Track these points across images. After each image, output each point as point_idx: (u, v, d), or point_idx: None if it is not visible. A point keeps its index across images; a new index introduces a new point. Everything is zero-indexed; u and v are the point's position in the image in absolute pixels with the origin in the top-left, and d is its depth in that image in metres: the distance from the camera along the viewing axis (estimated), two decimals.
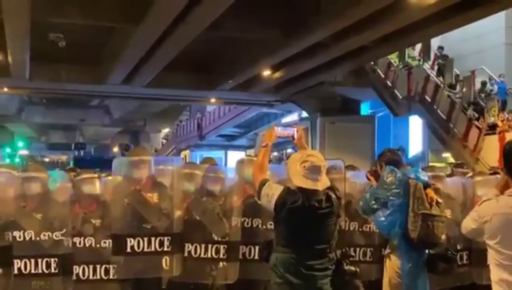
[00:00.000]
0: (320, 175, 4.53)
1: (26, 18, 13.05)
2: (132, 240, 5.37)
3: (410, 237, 5.21)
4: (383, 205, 5.32)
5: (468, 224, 4.03)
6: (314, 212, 4.51)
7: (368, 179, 5.78)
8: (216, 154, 35.72)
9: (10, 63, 17.50)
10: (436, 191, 5.53)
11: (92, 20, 14.52)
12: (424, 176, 5.43)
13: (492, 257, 3.82)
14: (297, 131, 5.02)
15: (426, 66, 19.06)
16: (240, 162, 6.04)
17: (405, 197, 5.25)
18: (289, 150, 30.37)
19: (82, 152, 31.14)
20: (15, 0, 11.90)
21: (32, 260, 5.12)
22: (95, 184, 5.56)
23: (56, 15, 14.07)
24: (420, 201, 5.23)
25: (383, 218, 5.30)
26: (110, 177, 5.76)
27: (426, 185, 5.36)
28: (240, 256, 5.68)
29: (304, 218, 4.50)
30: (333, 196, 4.62)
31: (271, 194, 4.57)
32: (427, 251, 5.43)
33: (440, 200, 5.40)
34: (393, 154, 5.82)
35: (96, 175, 5.64)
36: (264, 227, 5.69)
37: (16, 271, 5.09)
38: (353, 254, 5.92)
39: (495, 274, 3.80)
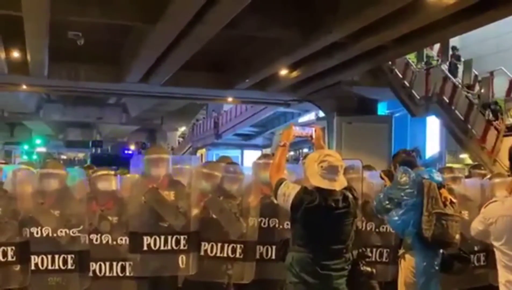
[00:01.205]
0: (338, 175, 4.52)
1: (45, 17, 13.14)
2: (149, 238, 5.39)
3: (424, 236, 5.20)
4: (397, 205, 5.32)
5: (475, 225, 4.06)
6: (331, 212, 4.50)
7: (382, 179, 5.78)
8: (232, 153, 35.79)
9: (29, 61, 17.63)
10: (450, 191, 5.53)
11: (110, 18, 14.56)
12: (438, 176, 5.42)
13: (498, 259, 3.83)
14: (315, 130, 5.02)
15: (444, 66, 18.93)
16: (257, 162, 6.04)
17: (418, 197, 5.25)
18: (305, 150, 30.35)
19: (99, 150, 31.32)
20: None
21: (49, 256, 5.16)
22: (112, 182, 5.59)
23: (75, 13, 14.13)
24: (434, 201, 5.22)
25: (396, 217, 5.31)
26: (128, 175, 5.80)
27: (440, 185, 5.35)
28: (257, 256, 5.68)
29: (321, 218, 4.49)
30: (350, 196, 4.60)
31: (288, 193, 4.56)
32: (441, 251, 5.41)
33: (454, 200, 5.38)
34: (407, 155, 5.82)
35: (112, 173, 5.67)
36: (281, 227, 5.69)
37: (33, 267, 5.14)
38: (369, 254, 5.90)
39: (502, 275, 3.82)
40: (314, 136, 5.00)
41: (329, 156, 4.57)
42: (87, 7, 13.85)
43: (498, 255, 3.84)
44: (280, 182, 4.65)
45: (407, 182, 5.30)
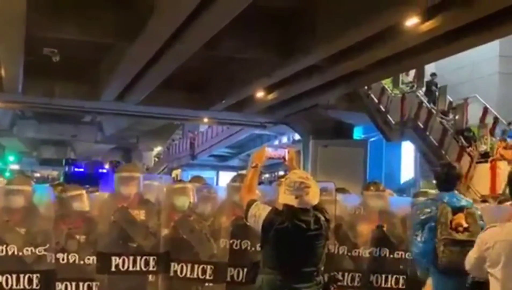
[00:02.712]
0: (304, 192, 4.44)
1: (21, 33, 13.02)
2: (117, 258, 5.26)
3: (438, 264, 5.08)
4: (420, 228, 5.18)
5: (470, 255, 3.90)
6: (302, 234, 4.43)
7: None
8: (208, 174, 35.61)
9: (3, 76, 17.44)
10: (470, 215, 5.22)
11: (88, 36, 14.50)
12: (458, 200, 5.22)
13: (493, 287, 3.68)
14: (288, 152, 4.97)
15: (420, 92, 19.10)
16: (231, 184, 5.96)
17: (434, 222, 5.11)
18: (281, 172, 30.32)
19: (72, 168, 30.95)
20: (10, 13, 11.84)
21: (14, 276, 4.99)
22: (83, 201, 5.46)
23: (52, 30, 14.04)
24: (443, 227, 5.08)
25: (416, 250, 5.16)
26: (97, 193, 5.68)
27: (458, 210, 5.16)
28: (228, 278, 5.58)
29: (292, 239, 4.42)
30: (322, 218, 4.54)
31: (259, 214, 4.51)
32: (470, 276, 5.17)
33: (465, 225, 5.14)
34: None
35: (83, 192, 5.55)
36: (253, 249, 5.59)
37: None
38: (341, 278, 5.83)
39: None
40: (287, 158, 4.95)
41: (293, 174, 4.55)
42: (64, 24, 13.77)
43: (492, 284, 3.69)
44: (250, 203, 4.61)
45: (425, 202, 5.19)
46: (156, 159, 49.46)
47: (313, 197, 4.50)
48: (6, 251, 5.00)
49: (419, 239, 5.15)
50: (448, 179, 5.40)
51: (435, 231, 5.08)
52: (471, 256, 3.86)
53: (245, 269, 5.52)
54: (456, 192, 5.37)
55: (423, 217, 5.16)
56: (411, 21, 11.94)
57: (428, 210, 5.14)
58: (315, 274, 4.52)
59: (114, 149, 48.66)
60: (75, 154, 51.41)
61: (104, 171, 28.89)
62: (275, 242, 4.45)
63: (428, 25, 11.87)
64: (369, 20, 11.84)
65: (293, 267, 4.45)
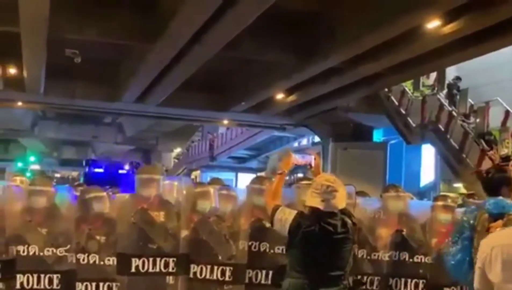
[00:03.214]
0: (332, 196, 4.45)
1: (43, 34, 13.14)
2: (137, 260, 5.31)
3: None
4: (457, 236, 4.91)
5: (476, 268, 3.67)
6: (329, 237, 4.44)
7: None
8: (227, 175, 35.70)
9: (25, 77, 17.61)
10: (509, 222, 4.57)
11: (109, 37, 14.60)
12: (502, 207, 4.75)
13: None
14: (315, 158, 5.00)
15: (441, 95, 18.98)
16: (250, 186, 5.97)
17: (471, 230, 4.81)
18: (300, 175, 30.28)
19: (93, 168, 31.13)
20: (33, 15, 11.97)
21: (35, 276, 5.06)
22: (103, 202, 5.51)
23: (73, 31, 14.15)
24: (479, 235, 4.70)
25: (450, 258, 4.86)
26: (118, 194, 5.73)
27: (497, 216, 4.70)
28: (246, 280, 5.60)
29: (319, 243, 4.44)
30: (349, 221, 4.54)
31: (285, 219, 4.53)
32: None
33: None
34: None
35: (104, 193, 5.59)
36: (271, 251, 5.62)
37: (18, 286, 5.04)
38: (364, 282, 5.82)
39: None
40: (313, 164, 4.99)
41: (321, 177, 4.58)
42: (85, 26, 13.87)
43: None
44: (276, 208, 4.63)
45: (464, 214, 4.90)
46: (176, 160, 49.60)
47: (340, 201, 4.51)
48: (28, 251, 5.08)
49: (455, 248, 4.89)
50: (493, 184, 5.05)
51: (472, 240, 4.84)
52: (476, 267, 3.61)
53: (264, 271, 5.56)
54: (501, 197, 4.93)
55: (460, 225, 4.99)
56: (432, 24, 11.88)
57: (466, 218, 4.95)
58: (342, 278, 4.53)
59: (134, 150, 48.85)
60: (95, 155, 51.71)
61: (124, 172, 29.05)
62: (302, 245, 4.46)
63: (449, 28, 11.81)
64: (389, 23, 11.79)
65: (320, 270, 4.46)
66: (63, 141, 47.94)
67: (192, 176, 36.94)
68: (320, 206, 4.43)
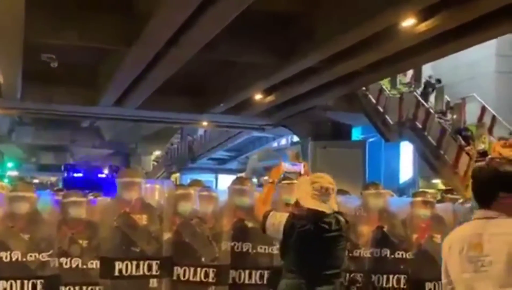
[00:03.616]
0: (329, 197, 4.51)
1: (19, 39, 13.03)
2: (121, 263, 5.32)
3: None
4: None
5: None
6: (323, 235, 4.48)
7: None
8: (207, 177, 35.62)
9: (1, 83, 17.46)
10: None
11: (86, 41, 14.52)
12: None
13: None
14: (304, 166, 5.05)
15: (417, 92, 19.16)
16: (232, 187, 6.00)
17: None
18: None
19: (71, 173, 30.93)
20: (9, 20, 11.87)
21: (18, 282, 5.05)
22: (83, 207, 5.50)
23: (51, 36, 14.06)
24: None
25: None
26: (99, 198, 5.73)
27: None
28: (230, 280, 5.63)
29: (314, 241, 4.48)
30: (342, 219, 4.59)
31: (278, 222, 4.57)
32: None
33: None
34: None
35: (84, 199, 5.58)
36: (254, 251, 5.67)
37: None
38: (359, 279, 5.87)
39: None
40: (302, 172, 5.04)
41: (321, 178, 4.57)
42: (63, 30, 13.78)
43: None
44: (266, 214, 4.68)
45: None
46: (155, 163, 49.44)
47: (334, 201, 4.60)
48: (11, 257, 5.05)
49: None
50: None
51: None
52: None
53: (247, 271, 5.60)
54: None
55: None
56: (408, 22, 11.99)
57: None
58: (337, 276, 4.58)
59: (113, 154, 48.60)
60: (74, 160, 51.36)
61: (103, 176, 28.88)
62: (298, 245, 4.50)
63: (425, 25, 11.93)
64: (366, 22, 11.89)
65: (316, 269, 4.49)
66: (41, 147, 47.58)
67: (172, 178, 36.83)
68: (324, 208, 4.47)
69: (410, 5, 11.21)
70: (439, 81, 19.33)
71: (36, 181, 52.78)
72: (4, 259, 5.03)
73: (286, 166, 5.02)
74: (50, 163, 51.10)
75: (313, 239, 4.47)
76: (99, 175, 28.76)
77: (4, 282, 5.01)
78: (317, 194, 4.48)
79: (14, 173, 49.06)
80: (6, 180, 43.76)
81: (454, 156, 16.58)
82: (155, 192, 5.93)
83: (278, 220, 4.57)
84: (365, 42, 12.93)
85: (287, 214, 4.60)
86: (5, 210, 5.25)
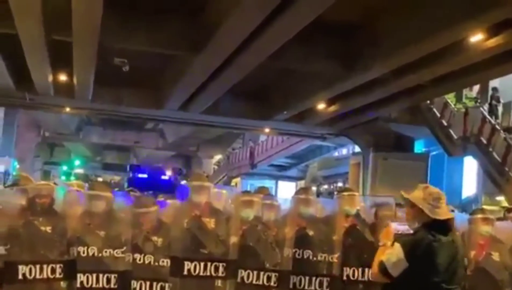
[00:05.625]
0: (443, 205, 4.54)
1: (94, 43, 13.53)
2: (190, 263, 5.61)
3: None
4: None
5: None
6: (452, 248, 4.45)
7: None
8: (267, 183, 35.84)
9: (75, 84, 18.10)
10: None
11: (156, 47, 14.93)
12: None
13: None
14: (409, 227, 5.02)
15: (483, 107, 18.91)
16: (296, 197, 6.21)
17: None
18: (340, 184, 30.33)
19: (137, 174, 31.73)
20: (85, 24, 12.37)
21: (94, 275, 5.38)
22: (154, 210, 5.83)
23: (123, 41, 14.53)
24: None
25: None
26: (171, 201, 6.05)
27: None
28: (291, 286, 5.85)
29: (440, 255, 4.39)
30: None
31: (395, 253, 4.44)
32: None
33: None
34: None
35: (154, 208, 5.85)
36: (314, 258, 5.87)
37: (78, 285, 5.36)
38: None
39: None
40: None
41: (430, 188, 4.67)
42: (134, 35, 14.20)
43: None
44: (382, 259, 4.51)
45: None
46: (216, 167, 49.97)
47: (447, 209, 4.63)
48: (87, 252, 5.40)
49: None
50: None
51: None
52: None
53: (307, 277, 5.82)
54: None
55: None
56: (476, 38, 11.94)
57: None
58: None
59: (175, 156, 49.40)
60: (137, 160, 52.46)
61: (166, 178, 29.53)
62: (425, 262, 4.36)
63: (493, 41, 11.86)
64: (433, 36, 11.88)
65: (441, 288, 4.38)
66: (106, 146, 48.79)
67: (233, 183, 37.22)
68: (441, 216, 4.46)
69: (478, 21, 11.15)
70: (496, 89, 18.97)
71: (100, 179, 54.19)
72: (81, 253, 5.37)
73: (395, 226, 5.00)
74: (114, 162, 52.37)
75: (438, 253, 4.39)
76: (162, 177, 29.44)
77: (81, 275, 5.36)
78: (435, 204, 4.53)
79: (80, 170, 50.55)
80: (72, 177, 45.27)
81: None
82: (222, 197, 6.24)
83: (395, 253, 4.43)
84: (432, 55, 12.90)
85: (398, 246, 4.45)
86: (83, 208, 5.61)
